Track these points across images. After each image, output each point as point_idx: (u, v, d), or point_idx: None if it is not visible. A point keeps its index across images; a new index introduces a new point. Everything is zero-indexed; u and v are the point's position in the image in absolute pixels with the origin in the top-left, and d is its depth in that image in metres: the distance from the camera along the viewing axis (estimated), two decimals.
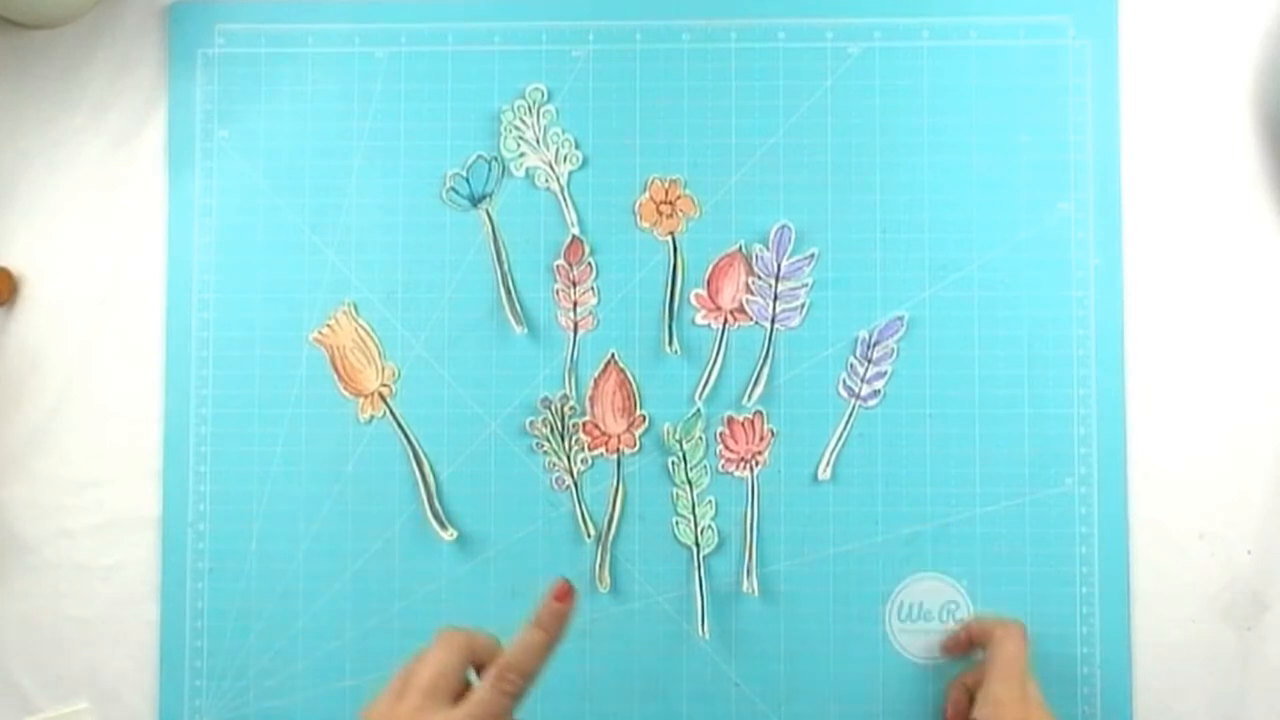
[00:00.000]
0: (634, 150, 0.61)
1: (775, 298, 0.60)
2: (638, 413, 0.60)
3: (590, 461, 0.60)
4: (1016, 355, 0.60)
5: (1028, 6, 0.61)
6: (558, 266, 0.61)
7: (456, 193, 0.61)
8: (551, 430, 0.60)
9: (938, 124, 0.61)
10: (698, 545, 0.60)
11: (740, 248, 0.61)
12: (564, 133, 0.61)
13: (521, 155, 0.61)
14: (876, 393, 0.60)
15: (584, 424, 0.60)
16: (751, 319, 0.60)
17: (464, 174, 0.61)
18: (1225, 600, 0.59)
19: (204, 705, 0.60)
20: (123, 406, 0.61)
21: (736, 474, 0.60)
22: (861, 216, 0.60)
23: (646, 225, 0.61)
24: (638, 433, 0.60)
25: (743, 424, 0.60)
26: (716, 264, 0.61)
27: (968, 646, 0.58)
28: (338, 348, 0.61)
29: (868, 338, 0.60)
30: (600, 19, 0.61)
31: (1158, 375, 0.60)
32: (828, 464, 0.60)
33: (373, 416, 0.61)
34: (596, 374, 0.60)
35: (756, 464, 0.60)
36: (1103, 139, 0.60)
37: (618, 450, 0.60)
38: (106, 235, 0.62)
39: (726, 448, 0.60)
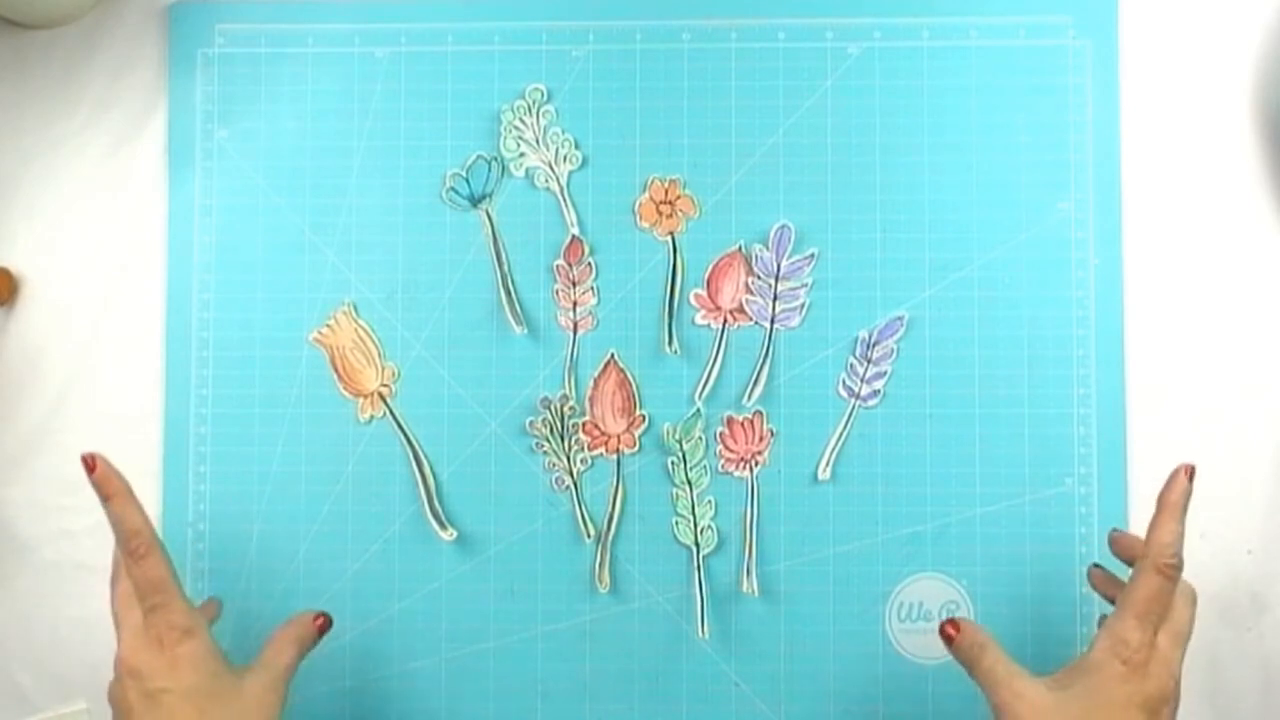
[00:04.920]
0: (634, 150, 0.61)
1: (775, 298, 0.60)
2: (637, 413, 0.60)
3: (590, 461, 0.60)
4: (1016, 355, 0.60)
5: (1028, 6, 0.61)
6: (558, 266, 0.61)
7: (456, 193, 0.61)
8: (551, 430, 0.60)
9: (938, 124, 0.61)
10: (697, 545, 0.60)
11: (740, 248, 0.61)
12: (564, 133, 0.61)
13: (521, 155, 0.61)
14: (876, 393, 0.60)
15: (584, 424, 0.60)
16: (751, 319, 0.60)
17: (464, 174, 0.61)
18: (1225, 600, 0.59)
19: None
20: (123, 406, 0.61)
21: (736, 474, 0.60)
22: (861, 216, 0.60)
23: (646, 225, 0.61)
24: (637, 433, 0.60)
25: (742, 424, 0.60)
26: (716, 264, 0.61)
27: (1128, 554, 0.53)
28: (338, 348, 0.61)
29: (868, 338, 0.60)
30: (600, 19, 0.61)
31: (1158, 375, 0.60)
32: (828, 464, 0.60)
33: (373, 416, 0.61)
34: (596, 374, 0.60)
35: (756, 464, 0.60)
36: (1103, 139, 0.60)
37: (617, 450, 0.60)
38: (107, 235, 0.62)
39: (726, 448, 0.60)
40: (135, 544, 0.50)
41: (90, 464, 0.51)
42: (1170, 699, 0.49)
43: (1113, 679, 0.48)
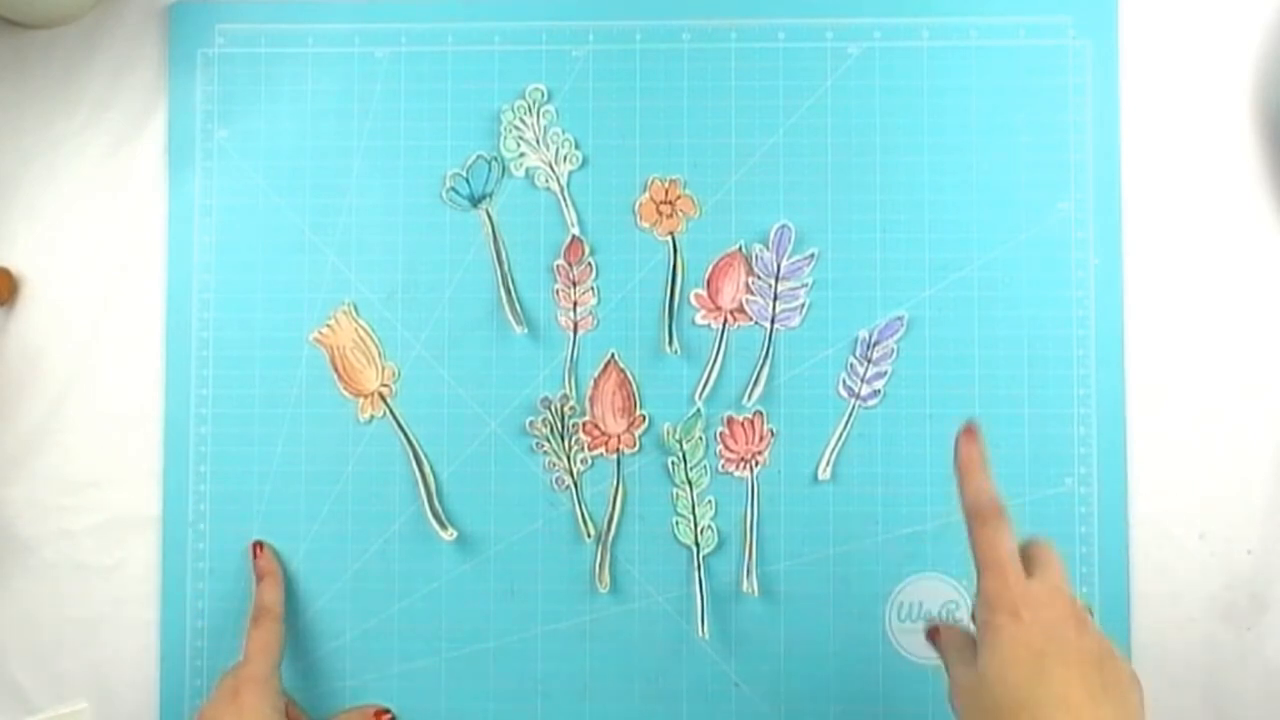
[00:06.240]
0: (634, 150, 0.61)
1: (775, 298, 0.60)
2: (638, 413, 0.60)
3: (590, 461, 0.60)
4: (1016, 355, 0.60)
5: (1028, 6, 0.61)
6: (558, 266, 0.61)
7: (456, 193, 0.61)
8: (551, 430, 0.60)
9: (938, 124, 0.61)
10: (698, 545, 0.60)
11: (740, 248, 0.61)
12: (564, 133, 0.61)
13: (521, 155, 0.61)
14: (876, 393, 0.60)
15: (584, 424, 0.60)
16: (751, 319, 0.60)
17: (464, 174, 0.61)
18: (1225, 600, 0.59)
19: None
20: (123, 406, 0.61)
21: (736, 474, 0.60)
22: (861, 216, 0.60)
23: (646, 225, 0.61)
24: (638, 433, 0.60)
25: (743, 424, 0.60)
26: (716, 264, 0.61)
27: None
28: (338, 348, 0.61)
29: (868, 338, 0.60)
30: (600, 19, 0.61)
31: (1158, 375, 0.60)
32: (828, 464, 0.60)
33: (373, 416, 0.61)
34: (596, 374, 0.60)
35: (756, 464, 0.60)
36: (1103, 139, 0.60)
37: (618, 450, 0.60)
38: (107, 235, 0.62)
39: (726, 448, 0.60)
40: (259, 616, 0.57)
41: (256, 551, 0.59)
42: (1112, 656, 0.44)
43: (1005, 630, 0.43)
